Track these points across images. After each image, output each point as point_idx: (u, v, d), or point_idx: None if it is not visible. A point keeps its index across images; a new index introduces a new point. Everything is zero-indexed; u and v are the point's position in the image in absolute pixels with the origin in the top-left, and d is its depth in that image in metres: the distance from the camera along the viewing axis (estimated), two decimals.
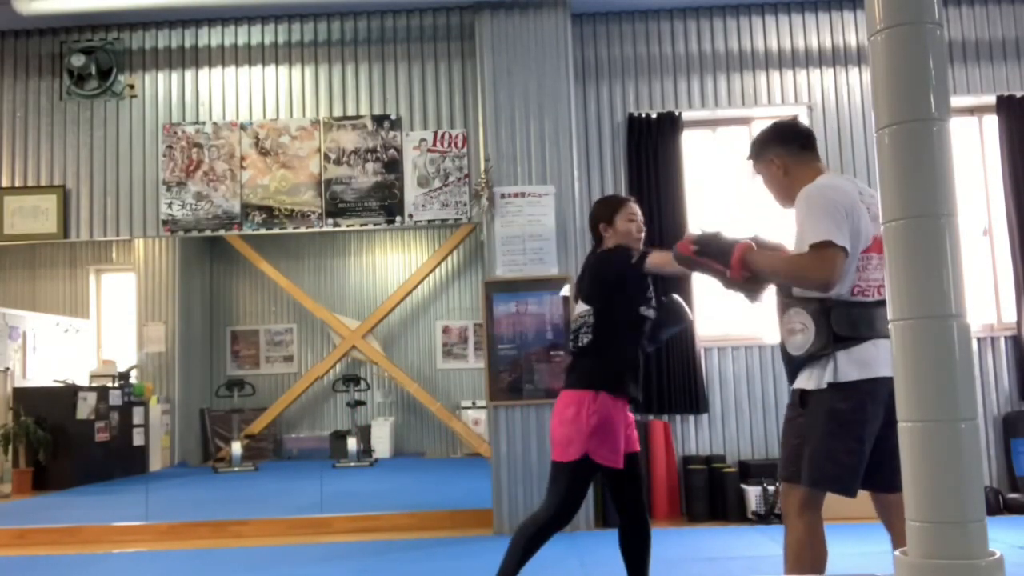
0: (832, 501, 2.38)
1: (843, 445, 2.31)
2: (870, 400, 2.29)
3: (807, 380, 2.38)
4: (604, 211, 3.11)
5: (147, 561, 4.84)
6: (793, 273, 2.36)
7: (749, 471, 5.38)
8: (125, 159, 5.78)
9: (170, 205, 5.71)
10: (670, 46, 5.86)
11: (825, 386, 2.34)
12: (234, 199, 5.71)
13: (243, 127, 5.77)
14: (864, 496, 2.46)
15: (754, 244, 2.43)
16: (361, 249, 11.04)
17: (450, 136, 5.68)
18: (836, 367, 2.33)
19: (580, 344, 2.99)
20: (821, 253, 2.28)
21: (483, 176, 5.37)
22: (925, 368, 1.23)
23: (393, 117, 5.74)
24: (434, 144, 5.69)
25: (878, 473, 2.34)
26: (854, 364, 2.32)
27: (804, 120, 5.86)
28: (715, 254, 2.42)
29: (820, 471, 2.33)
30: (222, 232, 5.86)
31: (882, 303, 2.30)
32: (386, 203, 5.68)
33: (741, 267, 2.38)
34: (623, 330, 2.97)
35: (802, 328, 2.38)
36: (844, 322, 2.34)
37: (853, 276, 2.35)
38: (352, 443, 9.48)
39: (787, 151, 2.53)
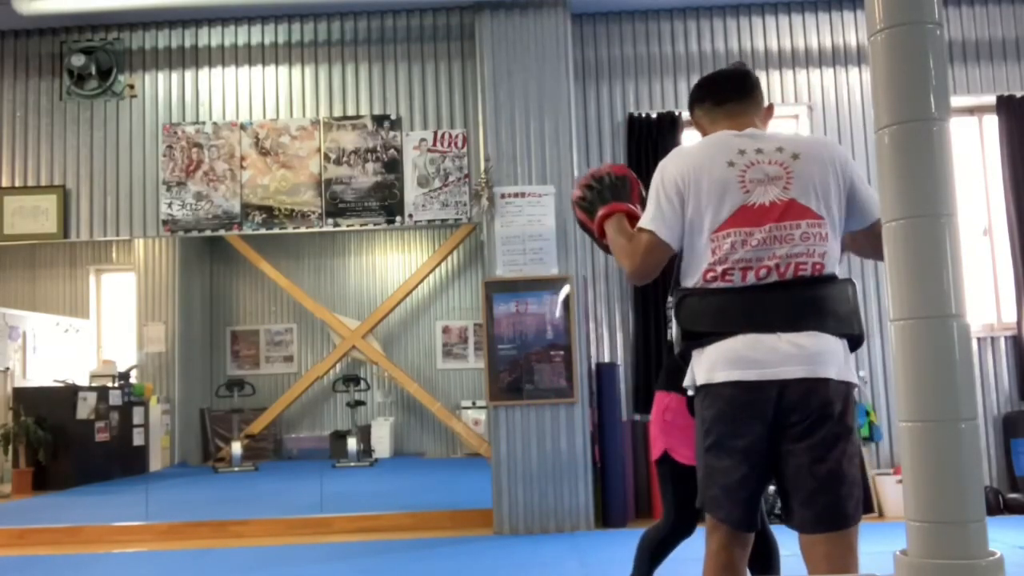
0: None
1: (717, 462, 1.94)
2: (729, 407, 1.91)
3: (688, 383, 2.06)
4: None
5: (147, 561, 4.84)
6: (616, 256, 2.12)
7: None
8: (125, 159, 5.78)
9: (170, 205, 5.71)
10: (670, 46, 5.86)
11: (692, 392, 2.03)
12: (234, 199, 5.71)
13: (243, 127, 5.77)
14: None
15: (628, 210, 2.15)
16: (361, 249, 11.04)
17: (450, 136, 5.68)
18: (693, 368, 1.99)
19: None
20: (636, 238, 2.03)
21: (483, 176, 5.37)
22: (925, 368, 1.23)
23: (393, 117, 5.74)
24: (434, 144, 5.69)
25: (785, 507, 1.97)
26: (709, 364, 1.93)
27: (804, 120, 5.86)
28: (588, 208, 2.20)
29: (703, 492, 2.00)
30: (222, 232, 5.86)
31: (760, 288, 1.91)
32: (386, 203, 5.68)
33: (601, 233, 2.17)
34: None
35: (671, 321, 2.08)
36: (691, 315, 1.98)
37: (706, 259, 1.95)
38: (352, 443, 9.48)
39: (702, 109, 2.13)
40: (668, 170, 2.02)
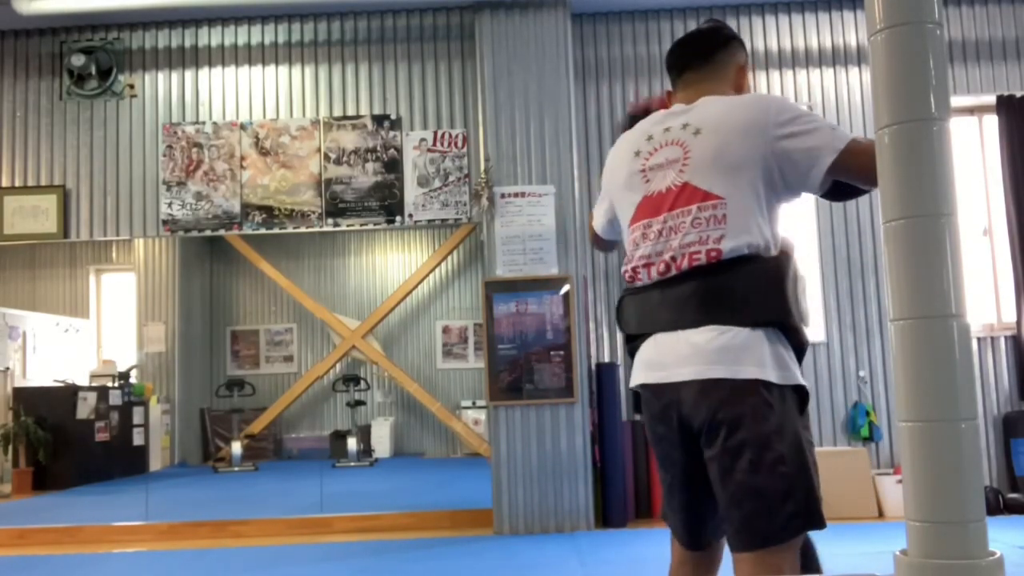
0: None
1: (659, 467, 1.88)
2: (647, 413, 1.83)
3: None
4: None
5: (147, 561, 4.84)
6: None
7: None
8: (125, 159, 5.78)
9: (170, 205, 5.71)
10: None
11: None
12: (234, 199, 5.71)
13: (243, 127, 5.77)
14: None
15: None
16: (361, 249, 11.04)
17: (450, 136, 5.68)
18: (631, 372, 1.90)
19: None
20: None
21: (483, 176, 5.37)
22: (925, 368, 1.23)
23: (393, 117, 5.74)
24: (434, 144, 5.69)
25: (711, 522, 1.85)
26: (636, 367, 1.85)
27: None
28: None
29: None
30: (222, 232, 5.86)
31: (662, 284, 1.77)
32: (386, 203, 5.68)
33: None
34: None
35: None
36: (622, 318, 1.90)
37: (624, 259, 1.91)
38: (352, 443, 9.48)
39: (671, 80, 1.97)
40: (607, 161, 2.00)
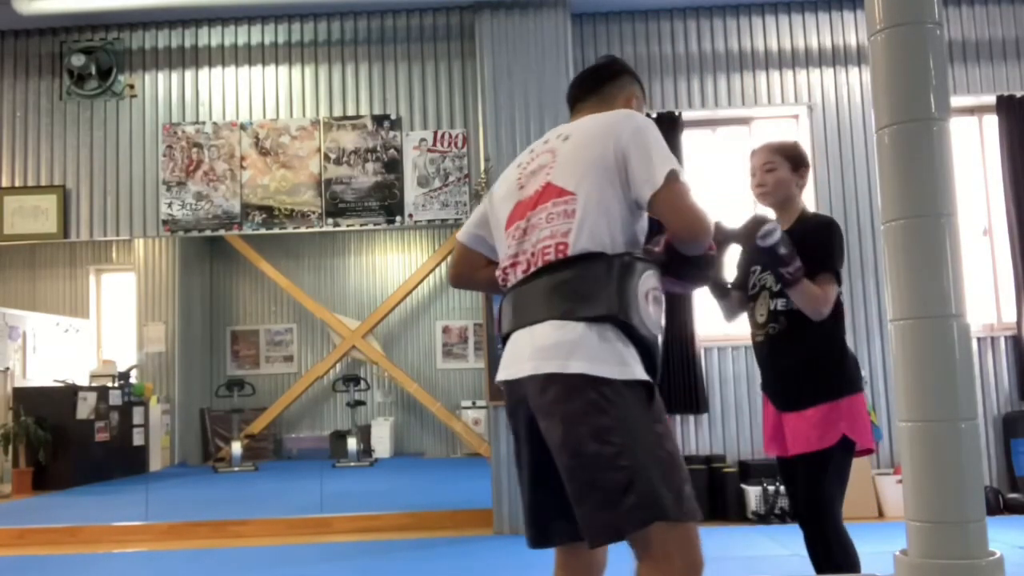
0: None
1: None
2: (508, 411, 1.87)
3: None
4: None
5: (147, 561, 4.84)
6: None
7: (749, 471, 5.38)
8: (125, 159, 5.78)
9: (170, 205, 5.71)
10: (670, 46, 5.86)
11: None
12: (234, 199, 5.71)
13: (243, 127, 5.77)
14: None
15: None
16: (361, 249, 11.04)
17: (450, 136, 5.68)
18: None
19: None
20: None
21: (483, 176, 5.37)
22: (925, 368, 1.23)
23: (393, 117, 5.74)
24: (434, 144, 5.69)
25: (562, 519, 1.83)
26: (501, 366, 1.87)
27: (804, 120, 5.86)
28: None
29: None
30: (222, 232, 5.86)
31: (521, 283, 1.81)
32: (386, 203, 5.68)
33: None
34: None
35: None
36: (498, 317, 1.94)
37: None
38: (352, 443, 9.48)
39: (570, 115, 2.06)
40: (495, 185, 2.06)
